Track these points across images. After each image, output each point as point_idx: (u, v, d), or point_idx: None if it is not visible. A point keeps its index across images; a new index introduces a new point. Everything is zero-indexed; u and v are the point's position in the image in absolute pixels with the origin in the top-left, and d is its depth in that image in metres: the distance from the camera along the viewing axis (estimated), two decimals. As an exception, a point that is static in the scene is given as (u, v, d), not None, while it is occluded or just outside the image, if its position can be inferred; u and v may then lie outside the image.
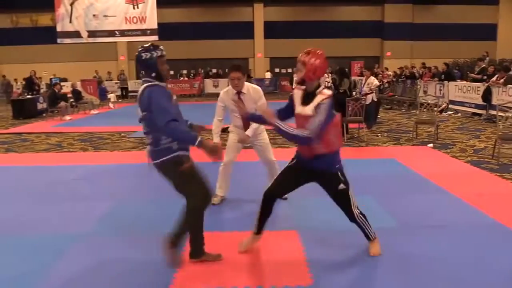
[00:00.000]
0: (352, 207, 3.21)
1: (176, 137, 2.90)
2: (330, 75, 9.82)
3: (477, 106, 11.96)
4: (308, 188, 5.19)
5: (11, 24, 24.39)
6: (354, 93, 9.84)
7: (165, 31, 20.77)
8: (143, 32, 19.88)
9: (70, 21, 19.75)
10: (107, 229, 3.98)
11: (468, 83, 13.05)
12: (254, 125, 4.32)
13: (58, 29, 19.93)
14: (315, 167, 3.10)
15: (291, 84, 17.54)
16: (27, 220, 4.29)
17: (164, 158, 3.01)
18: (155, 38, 19.93)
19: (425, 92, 14.29)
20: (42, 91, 17.19)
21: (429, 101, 9.02)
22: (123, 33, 19.98)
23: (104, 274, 3.09)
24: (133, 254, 3.40)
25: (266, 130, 4.64)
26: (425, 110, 8.92)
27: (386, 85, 16.97)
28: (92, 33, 19.90)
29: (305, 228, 3.86)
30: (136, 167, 6.66)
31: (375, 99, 9.77)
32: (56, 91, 13.71)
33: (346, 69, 11.98)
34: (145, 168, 6.46)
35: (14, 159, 7.45)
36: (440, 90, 14.05)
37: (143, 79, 3.04)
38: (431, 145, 7.81)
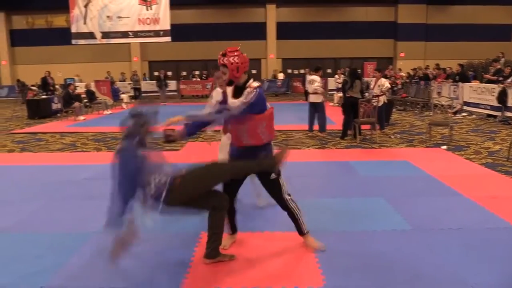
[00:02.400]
0: (283, 194, 3.31)
1: (113, 215, 2.88)
2: (342, 76, 9.75)
3: (492, 107, 11.79)
4: (320, 190, 5.19)
5: (27, 26, 24.75)
6: (366, 94, 9.74)
7: (178, 32, 20.88)
8: (156, 33, 20.01)
9: (85, 23, 19.97)
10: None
11: (483, 84, 12.87)
12: None
13: (73, 30, 20.17)
14: (247, 159, 3.20)
15: (304, 85, 17.47)
16: (42, 218, 4.35)
17: (164, 195, 2.89)
18: (168, 39, 20.06)
19: (438, 93, 14.14)
20: (58, 91, 17.38)
21: (443, 103, 8.93)
22: (136, 34, 20.13)
23: (116, 273, 3.12)
24: (144, 253, 3.42)
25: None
26: (439, 111, 8.84)
27: (399, 86, 16.84)
28: (106, 34, 20.09)
29: (316, 229, 3.83)
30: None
31: (386, 101, 9.67)
32: (71, 91, 13.88)
33: (359, 70, 11.90)
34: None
35: (29, 158, 7.56)
36: (454, 91, 13.89)
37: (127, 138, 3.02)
38: (445, 147, 7.72)
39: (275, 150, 3.27)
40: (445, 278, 2.98)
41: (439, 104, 8.98)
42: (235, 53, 3.08)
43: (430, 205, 4.52)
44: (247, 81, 3.15)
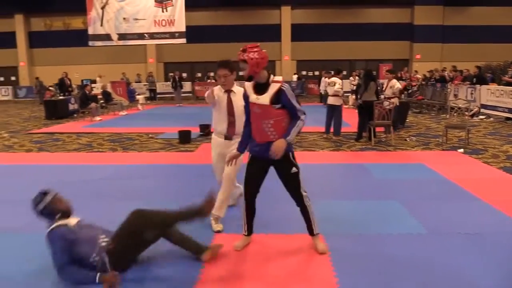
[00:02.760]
0: (301, 190, 3.36)
1: (69, 280, 2.92)
2: (357, 78, 9.65)
3: (511, 110, 11.59)
4: (334, 192, 5.16)
5: (45, 28, 25.14)
6: (382, 96, 9.66)
7: (193, 33, 21.00)
8: (172, 35, 20.14)
9: (101, 24, 20.21)
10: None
11: (501, 87, 12.67)
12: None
13: (90, 32, 20.42)
14: (268, 154, 3.19)
15: (319, 87, 17.39)
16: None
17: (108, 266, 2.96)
18: (183, 40, 20.17)
19: (455, 95, 13.96)
20: (75, 92, 17.64)
21: (460, 105, 8.81)
22: (152, 36, 20.29)
23: (131, 271, 3.14)
24: (159, 252, 3.44)
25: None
26: (455, 114, 8.73)
27: (415, 88, 16.67)
28: (122, 36, 20.29)
29: (331, 232, 3.82)
30: (163, 167, 6.76)
31: (397, 103, 9.52)
32: (87, 92, 14.07)
33: (374, 72, 11.79)
34: (172, 169, 6.57)
35: (47, 158, 7.68)
36: (472, 94, 13.69)
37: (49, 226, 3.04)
38: (461, 150, 7.61)
39: (204, 200, 3.26)
40: (461, 283, 2.93)
41: (456, 106, 8.87)
42: (255, 49, 3.14)
43: (446, 209, 4.45)
44: (269, 77, 3.21)
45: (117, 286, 2.84)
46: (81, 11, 20.84)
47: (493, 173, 6.06)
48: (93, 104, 13.56)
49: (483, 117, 12.44)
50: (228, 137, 4.01)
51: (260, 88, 3.21)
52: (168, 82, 22.04)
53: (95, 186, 5.56)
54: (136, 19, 19.99)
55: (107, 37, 20.30)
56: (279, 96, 3.14)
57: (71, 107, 14.97)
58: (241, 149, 3.50)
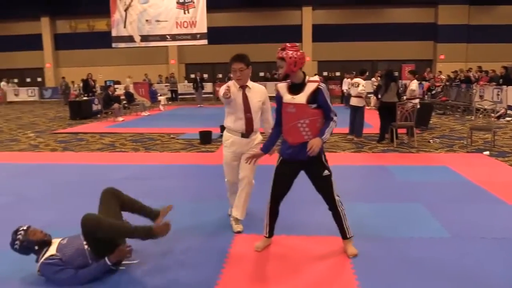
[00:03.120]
0: (334, 193, 3.32)
1: (92, 279, 2.98)
2: (379, 78, 9.52)
3: (539, 112, 11.26)
4: (356, 194, 5.10)
5: (70, 30, 25.73)
6: (404, 97, 9.51)
7: (215, 35, 21.12)
8: (193, 36, 20.30)
9: (125, 26, 20.51)
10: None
11: (529, 87, 12.33)
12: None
13: (113, 34, 20.76)
14: (301, 157, 3.19)
15: (341, 88, 17.26)
16: (81, 215, 4.48)
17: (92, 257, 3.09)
18: (204, 42, 20.30)
19: (481, 97, 13.65)
20: (98, 92, 17.99)
21: (485, 107, 8.61)
22: (174, 37, 20.49)
23: (152, 269, 3.18)
24: (180, 251, 3.46)
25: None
26: (481, 115, 8.53)
27: (439, 89, 16.38)
28: (144, 38, 20.56)
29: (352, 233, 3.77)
30: (184, 167, 6.82)
31: (418, 105, 9.32)
32: (110, 93, 14.31)
33: (396, 72, 11.63)
34: (193, 169, 6.62)
35: (71, 157, 7.83)
36: (498, 95, 13.37)
37: (37, 259, 3.06)
38: (487, 152, 7.43)
39: (160, 223, 3.27)
40: (478, 286, 2.86)
41: (481, 108, 8.67)
42: (294, 48, 3.15)
43: (470, 212, 4.35)
44: (304, 78, 3.22)
45: (130, 252, 3.06)
46: (105, 13, 21.22)
47: (520, 176, 5.90)
48: (116, 105, 13.78)
49: (510, 118, 12.12)
50: (245, 135, 3.87)
51: (295, 88, 3.21)
52: (190, 83, 22.23)
53: (117, 186, 5.61)
54: (158, 20, 20.22)
55: (130, 38, 20.60)
56: (316, 96, 3.14)
57: (94, 107, 15.26)
58: (266, 149, 3.49)
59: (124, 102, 15.44)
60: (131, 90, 16.75)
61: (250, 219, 4.10)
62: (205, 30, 20.09)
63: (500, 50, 22.48)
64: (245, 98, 3.81)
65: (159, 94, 18.76)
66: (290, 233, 3.85)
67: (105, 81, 21.42)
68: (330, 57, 24.34)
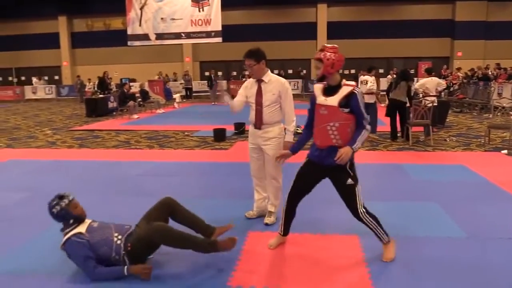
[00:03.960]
0: (358, 205, 3.18)
1: (103, 280, 2.98)
2: (394, 75, 9.42)
3: (560, 110, 11.01)
4: (371, 193, 5.06)
5: (86, 28, 26.04)
6: (420, 95, 9.40)
7: (229, 32, 21.15)
8: (208, 34, 20.37)
9: (140, 25, 20.70)
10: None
11: (549, 85, 12.06)
12: (291, 128, 3.95)
13: (129, 32, 20.96)
14: (327, 161, 3.14)
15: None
16: (98, 211, 4.52)
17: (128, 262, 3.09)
18: (219, 40, 20.36)
19: (499, 94, 13.40)
20: (113, 90, 18.17)
21: (504, 104, 8.46)
22: (188, 35, 20.60)
23: (165, 265, 3.20)
24: (188, 256, 3.48)
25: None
26: (499, 114, 8.38)
27: (456, 86, 16.14)
28: (159, 36, 20.71)
29: (366, 233, 3.74)
30: (198, 165, 6.85)
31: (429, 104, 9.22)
32: (125, 91, 14.44)
33: (412, 70, 11.51)
34: (207, 167, 6.65)
35: (87, 154, 7.93)
36: (517, 92, 13.10)
37: (64, 230, 3.12)
38: (505, 151, 7.30)
39: (224, 239, 3.17)
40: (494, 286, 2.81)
41: (499, 106, 8.51)
42: (333, 50, 3.12)
43: (487, 212, 4.28)
44: (340, 81, 3.17)
45: (149, 275, 2.94)
46: (121, 12, 21.44)
47: (539, 175, 5.78)
48: (131, 103, 13.91)
49: (529, 117, 11.89)
50: (256, 126, 3.94)
51: (330, 90, 3.16)
52: (204, 81, 22.31)
53: (133, 182, 5.69)
54: (173, 19, 20.35)
55: (145, 37, 20.77)
56: (349, 100, 3.06)
57: (110, 105, 15.41)
58: (293, 149, 3.49)
59: (139, 99, 15.58)
60: (146, 88, 16.89)
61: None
62: (219, 28, 20.15)
63: (520, 47, 22.04)
64: (259, 91, 3.87)
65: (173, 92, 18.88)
66: (303, 231, 3.84)
67: (121, 79, 21.65)
68: (345, 55, 23.94)
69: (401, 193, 5.02)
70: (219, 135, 8.97)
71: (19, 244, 3.66)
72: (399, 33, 23.42)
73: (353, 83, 3.17)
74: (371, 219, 3.22)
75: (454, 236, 3.70)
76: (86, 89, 20.81)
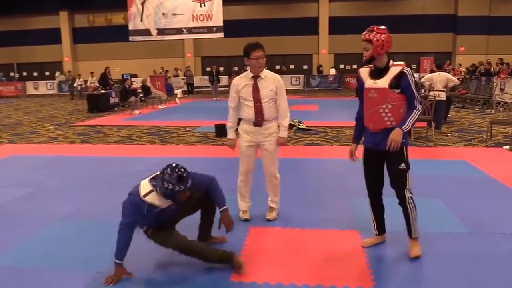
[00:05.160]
0: (405, 190, 3.14)
1: (117, 240, 2.96)
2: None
3: (562, 105, 10.96)
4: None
5: (88, 24, 26.02)
6: (422, 90, 9.38)
7: (231, 28, 21.10)
8: (209, 30, 20.32)
9: (141, 20, 20.64)
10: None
11: (552, 80, 12.00)
12: (285, 123, 3.88)
13: (130, 27, 20.91)
14: (382, 146, 3.08)
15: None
16: (100, 206, 4.56)
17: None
18: (220, 35, 20.30)
19: (501, 90, 13.35)
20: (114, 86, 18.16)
21: (506, 100, 8.43)
22: (190, 30, 20.54)
23: (168, 261, 3.21)
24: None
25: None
26: (501, 109, 8.35)
27: (458, 82, 16.09)
28: (161, 31, 20.65)
29: (367, 228, 3.75)
30: (200, 160, 6.85)
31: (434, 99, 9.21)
32: (127, 86, 14.44)
33: (415, 66, 11.48)
34: (208, 162, 6.65)
35: (89, 149, 7.95)
36: (520, 88, 13.05)
37: (155, 179, 3.05)
38: (507, 147, 7.28)
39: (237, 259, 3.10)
40: (505, 284, 2.81)
41: (502, 101, 8.48)
42: (382, 31, 3.05)
43: (489, 208, 4.28)
44: (388, 62, 3.10)
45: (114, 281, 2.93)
46: (122, 7, 21.39)
47: (541, 171, 5.76)
48: (132, 98, 13.90)
49: (532, 112, 11.86)
50: (257, 123, 3.85)
51: (378, 73, 3.10)
52: (206, 76, 22.28)
53: (134, 178, 5.68)
54: (175, 14, 20.29)
55: (147, 32, 20.72)
56: (399, 80, 3.01)
57: (112, 100, 15.42)
58: (356, 139, 3.44)
59: (141, 95, 15.57)
60: (148, 83, 16.88)
61: (263, 213, 4.10)
62: (221, 23, 20.09)
63: (523, 42, 21.93)
64: (255, 88, 3.79)
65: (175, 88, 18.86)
66: (304, 226, 3.85)
67: (122, 75, 21.62)
68: (347, 50, 24.07)
69: (403, 189, 5.01)
70: (221, 131, 8.96)
71: (20, 240, 3.68)
72: (401, 28, 23.27)
73: (402, 63, 3.10)
74: (413, 208, 3.17)
75: (456, 232, 3.70)
76: (88, 84, 20.75)
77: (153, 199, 2.95)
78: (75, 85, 21.16)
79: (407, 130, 3.05)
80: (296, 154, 7.03)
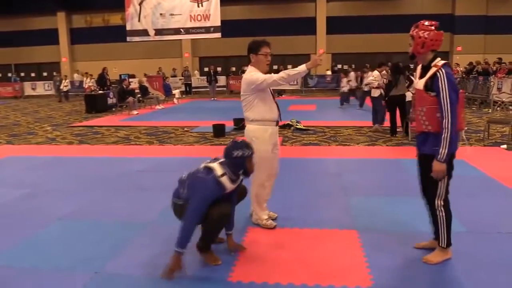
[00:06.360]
0: (436, 198, 3.03)
1: (181, 230, 2.92)
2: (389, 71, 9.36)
3: (559, 104, 11.00)
4: (370, 188, 5.07)
5: (85, 24, 25.98)
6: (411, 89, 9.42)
7: (228, 28, 21.08)
8: (207, 30, 20.30)
9: (139, 20, 20.61)
10: (171, 219, 4.11)
11: (549, 79, 12.05)
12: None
13: (128, 28, 20.87)
14: (421, 149, 3.04)
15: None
16: (98, 207, 4.56)
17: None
18: (218, 35, 20.28)
19: (499, 89, 13.39)
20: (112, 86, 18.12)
21: (503, 99, 8.46)
22: (187, 30, 20.52)
23: (166, 261, 3.20)
24: (191, 246, 3.49)
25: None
26: (498, 108, 8.38)
27: (456, 81, 16.17)
28: (159, 31, 20.62)
29: (365, 228, 3.76)
30: (198, 160, 6.83)
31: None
32: (125, 87, 14.42)
33: (412, 65, 11.51)
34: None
35: (87, 150, 7.94)
36: (517, 87, 13.09)
37: (223, 164, 3.08)
38: (504, 146, 7.30)
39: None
40: (503, 284, 2.82)
41: (499, 100, 8.51)
42: (427, 27, 2.92)
43: (487, 207, 4.29)
44: (433, 60, 2.93)
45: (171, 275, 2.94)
46: (120, 8, 21.35)
47: (538, 170, 5.79)
48: (130, 99, 13.89)
49: (529, 111, 11.89)
50: (277, 123, 3.74)
51: (424, 71, 2.96)
52: (203, 77, 22.27)
53: (132, 178, 5.70)
54: (172, 14, 20.26)
55: (144, 32, 20.69)
56: (432, 82, 2.82)
57: (109, 101, 15.41)
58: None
59: (139, 95, 15.55)
60: (145, 83, 16.87)
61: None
62: (218, 23, 20.07)
63: (520, 41, 21.98)
64: None
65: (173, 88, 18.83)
66: (302, 226, 3.86)
67: (120, 75, 21.59)
68: (344, 50, 24.12)
69: (401, 188, 5.02)
70: (219, 131, 8.97)
71: (19, 240, 3.67)
72: (398, 27, 23.27)
73: (441, 62, 2.89)
74: (443, 215, 3.03)
75: (454, 231, 3.67)
76: (85, 85, 20.64)
77: (225, 181, 3.02)
78: (61, 87, 20.46)
79: (443, 159, 2.84)
80: (294, 154, 7.03)
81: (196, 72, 24.59)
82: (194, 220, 2.93)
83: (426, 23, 2.94)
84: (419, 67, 3.08)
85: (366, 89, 11.78)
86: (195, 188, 2.97)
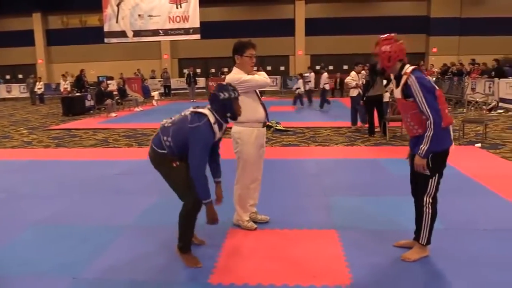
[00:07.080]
0: (425, 194, 3.11)
1: (196, 183, 2.95)
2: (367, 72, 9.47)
3: (530, 104, 11.35)
4: (350, 188, 5.13)
5: (62, 25, 25.52)
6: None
7: (207, 29, 21.03)
8: (186, 31, 20.22)
9: (117, 21, 20.38)
10: (150, 222, 4.10)
11: (521, 80, 12.40)
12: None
13: (105, 29, 20.62)
14: (414, 150, 3.10)
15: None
16: (76, 211, 4.49)
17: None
18: (197, 36, 20.22)
19: (473, 89, 13.73)
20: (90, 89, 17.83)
21: (477, 99, 8.66)
22: (166, 32, 20.39)
23: (146, 264, 3.18)
24: (173, 246, 3.47)
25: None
26: (472, 108, 8.58)
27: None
28: (137, 33, 20.44)
29: (345, 227, 3.81)
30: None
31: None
32: (103, 89, 14.23)
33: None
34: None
35: (64, 153, 7.80)
36: (490, 87, 13.45)
37: (211, 110, 3.06)
38: (479, 145, 7.49)
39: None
40: (479, 279, 2.89)
41: (473, 100, 8.72)
42: (387, 42, 3.02)
43: (463, 205, 4.39)
44: (402, 68, 3.03)
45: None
46: (97, 9, 21.07)
47: (511, 168, 5.95)
48: (108, 101, 13.72)
49: (502, 111, 12.22)
50: (264, 124, 3.72)
51: (397, 81, 3.07)
52: (183, 78, 22.14)
53: (112, 182, 5.63)
54: (151, 15, 20.11)
55: (123, 34, 20.48)
56: (407, 89, 2.93)
57: (87, 103, 15.17)
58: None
59: (117, 97, 15.37)
60: (120, 85, 16.68)
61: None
62: (197, 25, 20.02)
63: (492, 42, 22.54)
64: None
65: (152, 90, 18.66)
66: (282, 226, 3.87)
67: (98, 77, 21.27)
68: (323, 51, 24.31)
69: (379, 188, 5.10)
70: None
71: (-5, 247, 3.59)
72: (376, 29, 23.45)
73: (409, 69, 2.98)
74: (429, 212, 3.11)
75: (430, 228, 3.78)
76: (62, 88, 20.24)
77: (216, 129, 3.03)
78: (35, 89, 19.69)
79: (425, 156, 2.97)
80: (274, 155, 7.06)
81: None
82: (202, 170, 2.94)
83: (386, 38, 3.06)
84: (392, 77, 3.18)
85: (327, 87, 13.49)
86: (194, 139, 2.92)
